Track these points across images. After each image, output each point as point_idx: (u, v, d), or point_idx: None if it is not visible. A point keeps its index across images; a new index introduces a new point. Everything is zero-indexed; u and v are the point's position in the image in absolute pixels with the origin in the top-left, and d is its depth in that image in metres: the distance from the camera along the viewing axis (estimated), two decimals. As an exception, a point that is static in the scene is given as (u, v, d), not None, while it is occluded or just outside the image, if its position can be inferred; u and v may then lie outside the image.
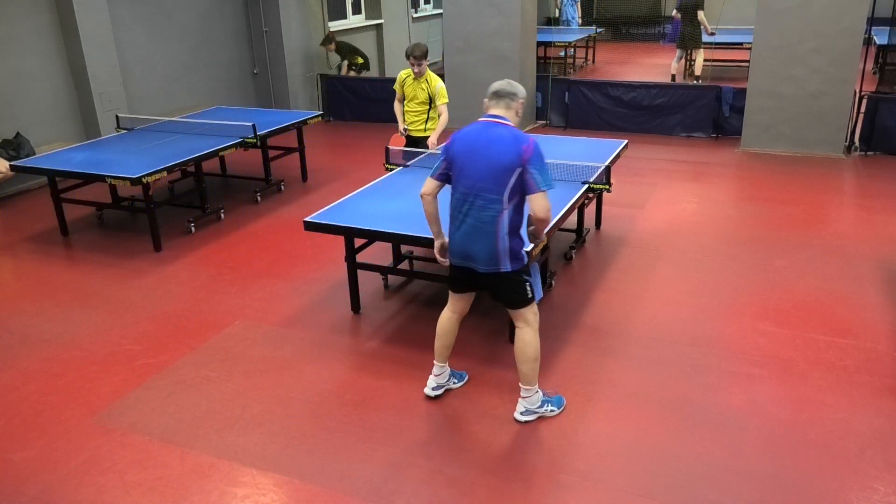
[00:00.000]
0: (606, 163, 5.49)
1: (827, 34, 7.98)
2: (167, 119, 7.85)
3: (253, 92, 11.10)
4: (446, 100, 6.31)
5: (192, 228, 6.59)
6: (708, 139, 9.37)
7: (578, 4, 15.65)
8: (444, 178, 3.65)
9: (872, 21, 9.33)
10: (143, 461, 3.59)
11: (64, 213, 6.59)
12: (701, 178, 7.83)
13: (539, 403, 3.78)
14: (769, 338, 4.55)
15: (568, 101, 9.97)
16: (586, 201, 5.74)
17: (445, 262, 3.81)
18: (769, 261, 5.65)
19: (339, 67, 11.72)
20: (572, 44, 13.98)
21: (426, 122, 6.40)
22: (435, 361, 3.98)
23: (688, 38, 11.80)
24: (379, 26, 13.39)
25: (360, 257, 5.04)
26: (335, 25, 12.34)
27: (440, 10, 11.89)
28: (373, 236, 4.72)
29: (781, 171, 7.92)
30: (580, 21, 15.84)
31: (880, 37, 11.88)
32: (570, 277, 5.51)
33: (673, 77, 12.05)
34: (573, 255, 5.80)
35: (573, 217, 5.81)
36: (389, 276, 5.45)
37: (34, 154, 7.47)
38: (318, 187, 7.83)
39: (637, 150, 8.25)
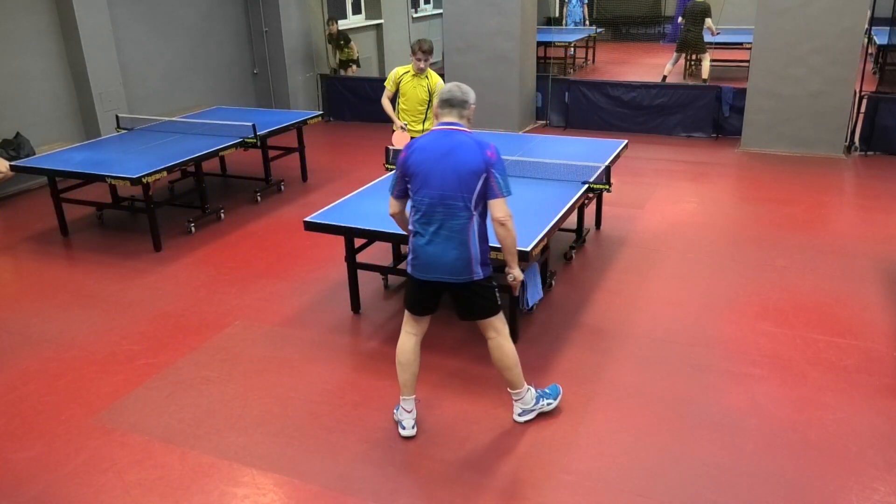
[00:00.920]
0: (606, 163, 5.49)
1: (827, 34, 7.98)
2: (167, 119, 7.85)
3: (253, 92, 11.10)
4: None
5: (192, 228, 6.59)
6: (708, 139, 9.37)
7: (586, 6, 15.61)
8: (404, 192, 3.52)
9: (872, 21, 9.34)
10: (143, 461, 3.59)
11: (64, 213, 6.59)
12: (701, 178, 7.83)
13: (534, 401, 3.77)
14: (769, 338, 4.55)
15: (568, 101, 9.98)
16: (586, 201, 5.74)
17: None
18: (769, 261, 5.65)
19: (337, 56, 11.64)
20: (572, 44, 13.98)
21: (424, 121, 6.27)
22: (403, 397, 3.70)
23: (691, 43, 11.88)
24: (379, 26, 13.39)
25: (360, 257, 5.04)
26: (335, 25, 12.33)
27: (440, 10, 11.90)
28: (373, 236, 4.72)
29: (781, 171, 7.92)
30: (587, 22, 15.81)
31: (880, 37, 11.88)
32: (570, 277, 5.51)
33: (664, 78, 12.08)
34: (573, 255, 5.80)
35: (573, 217, 5.80)
36: (389, 276, 5.45)
37: (34, 154, 7.47)
38: (318, 187, 7.83)
39: (637, 150, 8.25)
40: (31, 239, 6.58)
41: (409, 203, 3.56)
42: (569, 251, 5.82)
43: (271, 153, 7.76)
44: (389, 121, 6.56)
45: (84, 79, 8.26)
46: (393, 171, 3.57)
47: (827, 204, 6.93)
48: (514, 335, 4.51)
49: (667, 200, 7.08)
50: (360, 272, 4.99)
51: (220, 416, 3.93)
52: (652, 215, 6.69)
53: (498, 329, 3.62)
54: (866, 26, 8.19)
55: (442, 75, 10.11)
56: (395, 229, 4.48)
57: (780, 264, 5.59)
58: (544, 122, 10.28)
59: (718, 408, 3.87)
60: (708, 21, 11.63)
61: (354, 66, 11.67)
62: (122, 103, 8.63)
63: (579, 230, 5.99)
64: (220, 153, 6.75)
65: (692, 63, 13.50)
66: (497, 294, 3.61)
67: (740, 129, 8.85)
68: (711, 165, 8.28)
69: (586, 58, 15.31)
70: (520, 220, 4.27)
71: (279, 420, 3.88)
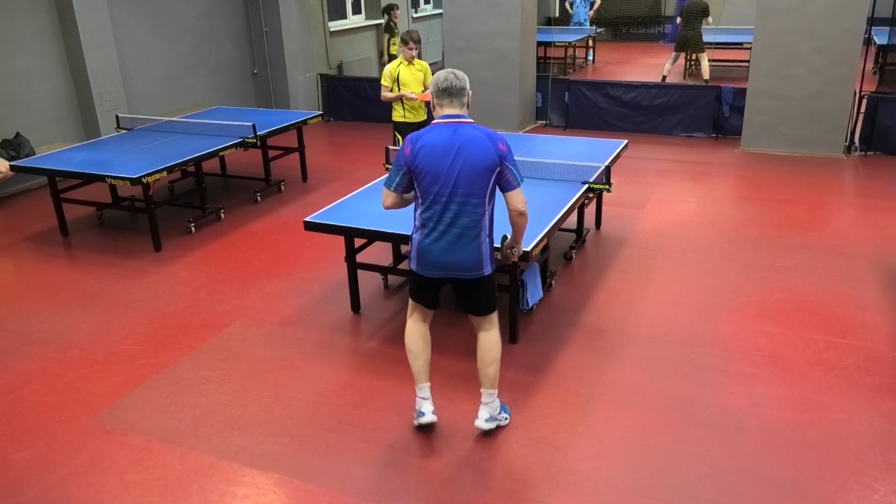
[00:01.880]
0: (606, 163, 5.49)
1: (827, 34, 7.98)
2: (167, 119, 7.85)
3: (253, 92, 11.10)
4: None
5: (192, 228, 6.59)
6: (708, 139, 9.37)
7: (592, 7, 15.58)
8: (406, 188, 3.44)
9: (872, 21, 9.33)
10: (143, 461, 3.59)
11: (64, 213, 6.59)
12: (701, 178, 7.83)
13: (498, 410, 3.70)
14: (769, 338, 4.55)
15: (568, 101, 9.97)
16: (586, 201, 5.74)
17: None
18: (769, 261, 5.65)
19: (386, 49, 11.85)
20: (573, 43, 13.98)
21: (426, 106, 6.70)
22: (419, 385, 3.67)
23: (689, 42, 11.90)
24: (379, 26, 13.39)
25: (360, 257, 5.04)
26: (335, 25, 12.34)
27: (440, 10, 11.90)
28: (373, 236, 4.72)
29: (781, 171, 7.92)
30: (590, 23, 15.80)
31: (880, 37, 11.88)
32: (570, 277, 5.51)
33: (663, 78, 12.09)
34: (573, 255, 5.80)
35: (573, 217, 5.80)
36: (389, 276, 5.45)
37: (34, 154, 7.47)
38: (318, 187, 7.83)
39: (637, 150, 8.25)
40: (31, 239, 6.58)
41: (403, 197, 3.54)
42: (569, 251, 5.82)
43: (271, 153, 7.76)
44: (389, 121, 6.62)
45: (84, 79, 8.26)
46: (392, 167, 3.51)
47: (827, 204, 6.93)
48: (514, 335, 4.53)
49: (667, 200, 7.08)
50: (360, 272, 4.99)
51: (220, 416, 3.93)
52: (652, 215, 6.69)
53: (494, 322, 3.62)
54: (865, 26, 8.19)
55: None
56: (396, 229, 4.49)
57: (780, 264, 5.59)
58: (544, 122, 10.28)
59: (718, 408, 3.87)
60: (709, 20, 11.69)
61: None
62: (122, 103, 8.63)
63: (579, 230, 5.99)
64: (220, 153, 6.75)
65: (692, 63, 13.50)
66: (496, 291, 3.62)
67: (740, 129, 8.85)
68: (711, 165, 8.28)
69: (586, 58, 15.31)
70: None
71: (279, 420, 3.88)
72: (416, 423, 3.73)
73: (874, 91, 9.52)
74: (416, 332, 3.66)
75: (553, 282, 5.33)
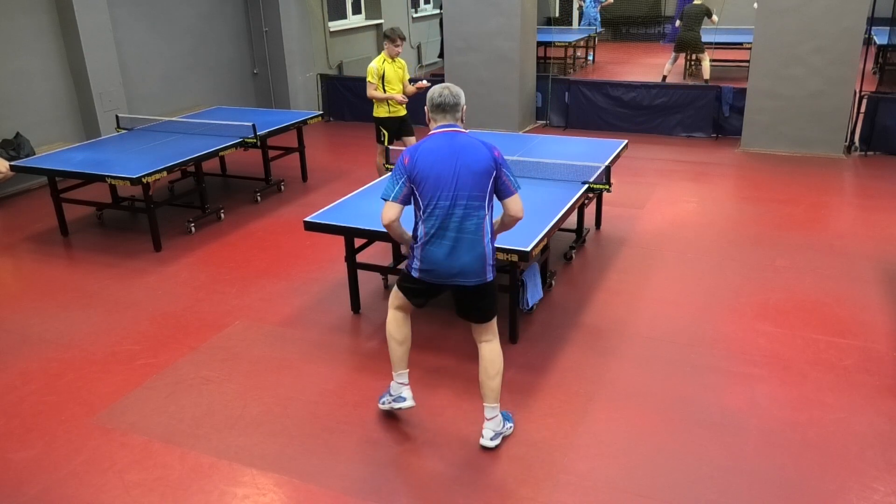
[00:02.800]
0: (606, 163, 5.49)
1: (827, 34, 7.98)
2: (167, 119, 7.85)
3: (253, 92, 11.10)
4: None
5: (192, 228, 6.59)
6: (708, 139, 9.37)
7: (601, 6, 15.59)
8: (407, 198, 3.43)
9: (872, 21, 9.33)
10: (143, 461, 3.59)
11: (64, 213, 6.59)
12: (701, 178, 7.83)
13: (501, 423, 3.65)
14: (769, 338, 4.55)
15: (568, 101, 9.97)
16: (586, 201, 5.74)
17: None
18: (769, 261, 5.65)
19: None
20: (573, 44, 13.98)
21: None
22: (398, 371, 3.70)
23: (689, 43, 11.97)
24: (379, 26, 13.39)
25: (360, 257, 5.04)
26: (335, 25, 12.34)
27: (440, 10, 11.89)
28: (373, 236, 4.72)
29: (781, 171, 7.92)
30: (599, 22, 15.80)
31: (880, 37, 11.88)
32: (570, 277, 5.51)
33: (664, 78, 12.11)
34: (573, 255, 5.80)
35: (573, 217, 5.80)
36: (389, 276, 5.45)
37: (34, 154, 7.47)
38: (318, 187, 7.83)
39: (637, 150, 8.25)
40: (31, 239, 6.58)
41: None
42: (569, 251, 5.82)
43: (271, 153, 7.76)
44: None
45: (84, 79, 8.26)
46: (388, 176, 3.50)
47: (827, 204, 6.93)
48: (514, 335, 4.53)
49: (667, 200, 7.08)
50: (360, 272, 4.99)
51: (220, 416, 3.93)
52: (652, 215, 6.69)
53: (494, 332, 3.61)
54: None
55: (442, 75, 10.18)
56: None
57: (780, 264, 5.59)
58: (544, 122, 10.28)
59: (718, 408, 3.87)
60: (714, 18, 11.74)
61: None
62: (122, 103, 8.63)
63: (579, 230, 5.99)
64: (220, 153, 6.75)
65: (692, 63, 13.51)
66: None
67: (740, 129, 8.85)
68: (711, 165, 8.28)
69: (586, 58, 15.31)
70: (520, 220, 4.29)
71: (279, 420, 3.88)
72: (392, 406, 3.77)
73: (874, 91, 9.52)
74: (401, 320, 3.67)
75: (553, 282, 5.33)
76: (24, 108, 7.88)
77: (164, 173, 6.06)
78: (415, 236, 3.50)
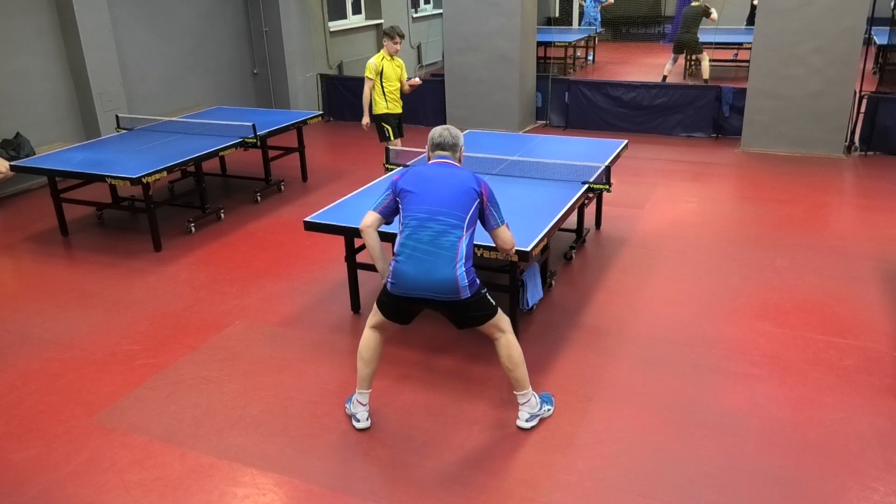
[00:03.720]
0: (606, 163, 5.49)
1: (827, 34, 7.98)
2: (167, 119, 7.85)
3: (253, 92, 11.10)
4: None
5: (192, 228, 6.59)
6: (708, 139, 9.37)
7: (601, 6, 15.59)
8: (389, 211, 3.57)
9: (872, 21, 9.33)
10: (143, 461, 3.59)
11: (64, 213, 6.59)
12: (701, 178, 7.83)
13: (539, 406, 3.76)
14: (769, 338, 4.55)
15: (568, 101, 9.98)
16: (586, 201, 5.74)
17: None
18: (769, 261, 5.65)
19: None
20: (573, 44, 13.98)
21: (402, 97, 7.20)
22: (360, 390, 3.74)
23: (687, 45, 12.05)
24: (379, 26, 13.39)
25: (360, 257, 5.04)
26: (335, 25, 12.34)
27: (440, 10, 11.89)
28: (373, 236, 4.71)
29: (781, 171, 7.92)
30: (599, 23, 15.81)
31: (880, 37, 11.88)
32: (570, 277, 5.51)
33: (664, 78, 12.13)
34: (573, 255, 5.80)
35: (573, 217, 5.80)
36: (389, 276, 5.45)
37: (34, 154, 7.47)
38: (318, 187, 7.83)
39: (637, 150, 8.25)
40: (31, 239, 6.58)
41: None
42: (569, 251, 5.82)
43: (271, 153, 7.76)
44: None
45: (84, 79, 8.26)
46: (384, 194, 3.64)
47: (827, 204, 6.93)
48: (515, 335, 4.51)
49: (667, 200, 7.08)
50: (359, 272, 4.99)
51: (220, 416, 3.93)
52: (652, 215, 6.69)
53: (503, 328, 3.62)
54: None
55: (442, 75, 10.19)
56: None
57: (780, 264, 5.59)
58: (544, 122, 10.28)
59: (718, 408, 3.87)
60: (712, 15, 11.77)
61: None
62: (122, 103, 8.63)
63: (579, 230, 5.99)
64: (220, 153, 6.75)
65: (692, 63, 13.52)
66: (489, 296, 3.59)
67: (740, 129, 8.85)
68: (711, 165, 8.28)
69: (586, 57, 15.31)
70: (520, 220, 4.30)
71: (279, 420, 3.88)
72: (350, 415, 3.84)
73: (874, 91, 9.52)
74: (372, 341, 3.69)
75: (553, 282, 5.33)
76: (24, 108, 7.88)
77: (164, 173, 6.06)
78: (393, 254, 3.54)
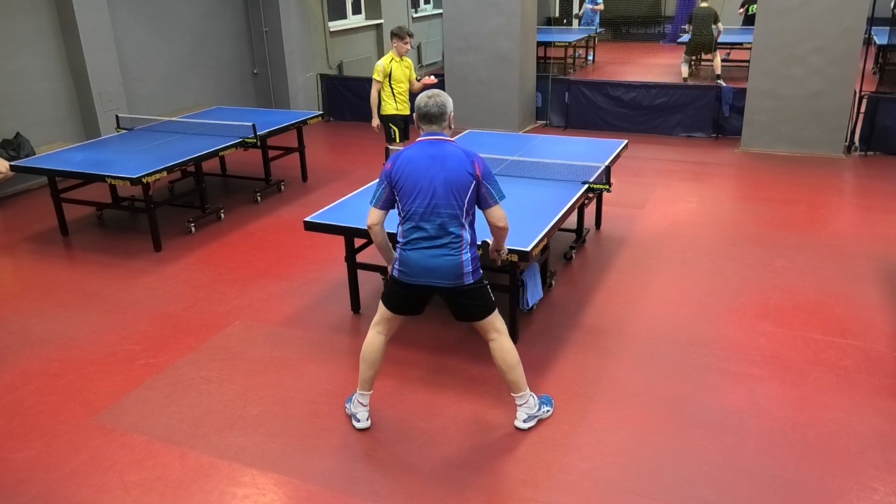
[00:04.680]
0: (606, 163, 5.49)
1: (827, 34, 7.98)
2: (167, 119, 7.85)
3: (253, 92, 11.10)
4: None
5: (192, 228, 6.59)
6: (708, 139, 9.37)
7: (600, 7, 15.59)
8: (389, 202, 3.51)
9: (872, 21, 9.33)
10: (143, 461, 3.59)
11: (64, 213, 6.59)
12: (701, 178, 7.83)
13: (537, 407, 3.76)
14: (769, 338, 4.55)
15: (568, 101, 9.97)
16: (586, 201, 5.74)
17: None
18: (769, 261, 5.65)
19: None
20: (573, 44, 13.99)
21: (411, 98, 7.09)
22: (361, 391, 3.75)
23: (703, 47, 12.13)
24: (379, 26, 13.39)
25: (360, 257, 5.04)
26: (335, 25, 12.34)
27: (440, 10, 11.89)
28: (373, 236, 4.71)
29: (781, 171, 7.92)
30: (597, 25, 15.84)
31: (880, 37, 11.88)
32: (570, 277, 5.51)
33: (685, 80, 12.15)
34: (573, 255, 5.80)
35: (573, 217, 5.80)
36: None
37: (34, 154, 7.47)
38: (318, 187, 7.83)
39: (637, 150, 8.25)
40: (31, 239, 6.58)
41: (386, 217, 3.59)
42: (569, 251, 5.82)
43: (271, 153, 7.76)
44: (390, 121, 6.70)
45: (84, 79, 8.26)
46: (376, 184, 3.58)
47: (827, 204, 6.93)
48: (514, 335, 4.52)
49: (667, 200, 7.08)
50: (359, 272, 4.99)
51: (220, 416, 3.93)
52: (652, 215, 6.69)
53: (498, 329, 3.62)
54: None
55: (442, 75, 10.19)
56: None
57: (780, 264, 5.59)
58: (544, 122, 10.29)
59: (718, 408, 3.87)
60: (719, 25, 11.98)
61: None
62: (122, 103, 8.63)
63: (579, 230, 5.99)
64: (220, 153, 6.75)
65: (694, 63, 13.52)
66: (490, 293, 3.61)
67: (740, 129, 8.85)
68: (711, 165, 8.28)
69: (586, 57, 15.32)
70: (520, 220, 4.30)
71: (279, 420, 3.88)
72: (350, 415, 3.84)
73: (874, 91, 9.52)
74: (377, 343, 3.70)
75: (553, 282, 5.33)
76: (24, 108, 7.88)
77: (164, 173, 6.06)
78: (397, 239, 3.56)
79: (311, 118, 7.96)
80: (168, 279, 5.64)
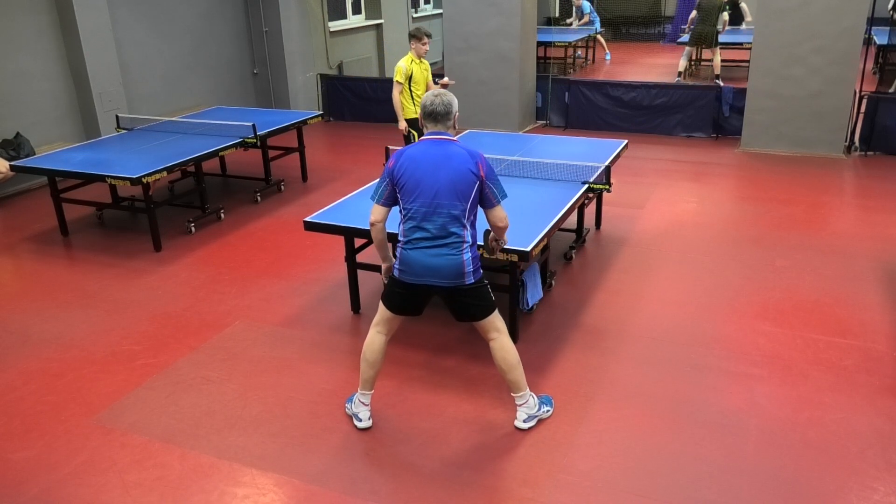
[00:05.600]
0: (606, 163, 5.49)
1: (827, 34, 7.98)
2: (167, 119, 7.85)
3: (253, 92, 11.10)
4: None
5: (192, 228, 6.59)
6: (708, 139, 9.37)
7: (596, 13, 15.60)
8: (391, 199, 3.51)
9: (872, 21, 9.33)
10: (143, 461, 3.59)
11: (64, 213, 6.59)
12: (701, 178, 7.83)
13: (537, 407, 3.77)
14: (769, 338, 4.55)
15: (568, 101, 9.97)
16: (586, 201, 5.74)
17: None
18: (769, 261, 5.65)
19: None
20: (573, 43, 13.99)
21: None
22: (363, 391, 3.76)
23: (705, 37, 11.90)
24: (379, 26, 13.40)
25: (360, 257, 5.04)
26: (335, 25, 12.34)
27: (440, 10, 11.89)
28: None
29: (781, 171, 7.92)
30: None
31: (880, 37, 11.88)
32: (570, 277, 5.51)
33: (680, 74, 12.09)
34: (573, 255, 5.80)
35: (573, 217, 5.80)
36: (389, 276, 5.45)
37: (34, 154, 7.47)
38: (318, 187, 7.83)
39: (637, 150, 8.25)
40: (31, 239, 6.58)
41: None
42: (569, 251, 5.82)
43: (271, 153, 7.76)
44: (390, 120, 6.68)
45: (84, 79, 8.26)
46: (378, 181, 3.58)
47: (827, 204, 6.93)
48: (514, 335, 4.52)
49: (667, 200, 7.08)
50: (360, 272, 4.99)
51: (219, 416, 3.93)
52: (652, 215, 6.69)
53: (498, 328, 3.62)
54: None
55: (442, 75, 10.18)
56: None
57: (780, 264, 5.59)
58: (544, 122, 10.28)
59: (718, 408, 3.87)
60: (724, 16, 11.72)
61: None
62: (122, 103, 8.63)
63: (579, 230, 5.99)
64: (220, 153, 6.75)
65: (696, 61, 13.51)
66: (490, 293, 3.61)
67: (740, 129, 8.85)
68: (711, 165, 8.28)
69: (586, 57, 15.32)
70: (520, 220, 4.30)
71: (279, 420, 3.88)
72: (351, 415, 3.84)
73: (874, 91, 9.52)
74: (378, 343, 3.70)
75: (553, 282, 5.33)
76: (24, 108, 7.88)
77: (164, 173, 6.06)
78: (398, 238, 3.56)
79: (311, 118, 7.96)
80: (168, 279, 5.65)
